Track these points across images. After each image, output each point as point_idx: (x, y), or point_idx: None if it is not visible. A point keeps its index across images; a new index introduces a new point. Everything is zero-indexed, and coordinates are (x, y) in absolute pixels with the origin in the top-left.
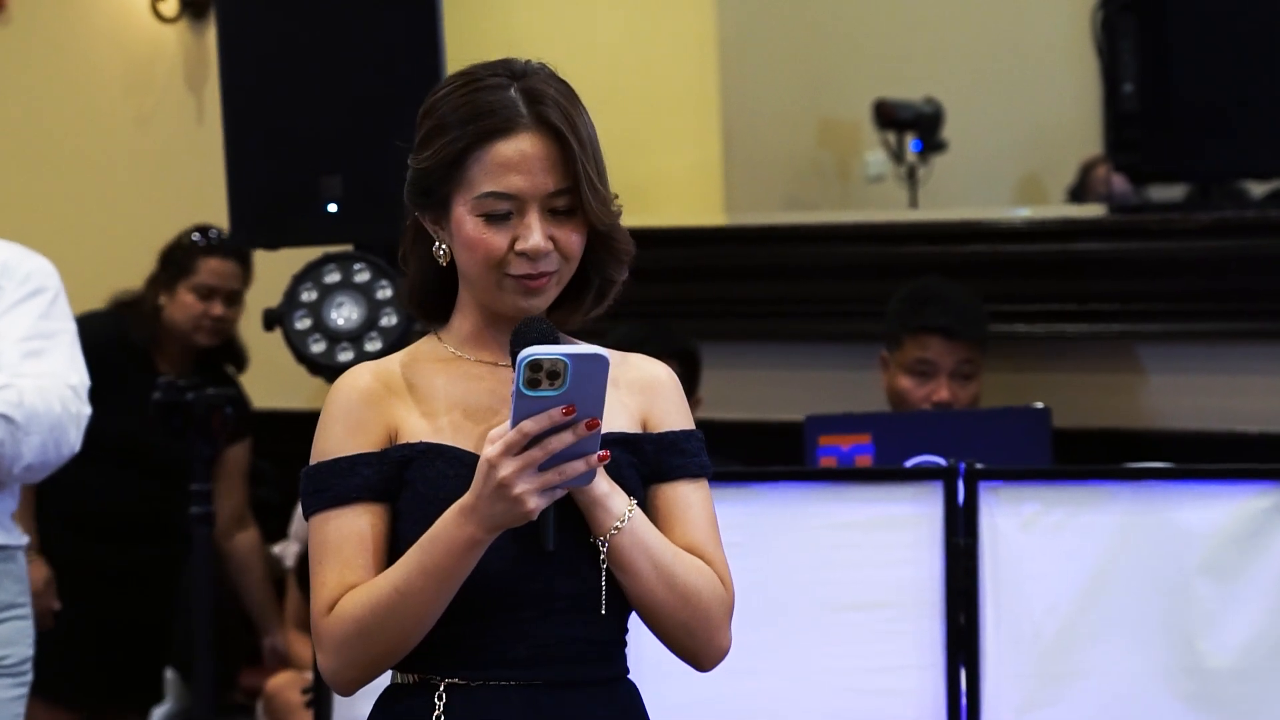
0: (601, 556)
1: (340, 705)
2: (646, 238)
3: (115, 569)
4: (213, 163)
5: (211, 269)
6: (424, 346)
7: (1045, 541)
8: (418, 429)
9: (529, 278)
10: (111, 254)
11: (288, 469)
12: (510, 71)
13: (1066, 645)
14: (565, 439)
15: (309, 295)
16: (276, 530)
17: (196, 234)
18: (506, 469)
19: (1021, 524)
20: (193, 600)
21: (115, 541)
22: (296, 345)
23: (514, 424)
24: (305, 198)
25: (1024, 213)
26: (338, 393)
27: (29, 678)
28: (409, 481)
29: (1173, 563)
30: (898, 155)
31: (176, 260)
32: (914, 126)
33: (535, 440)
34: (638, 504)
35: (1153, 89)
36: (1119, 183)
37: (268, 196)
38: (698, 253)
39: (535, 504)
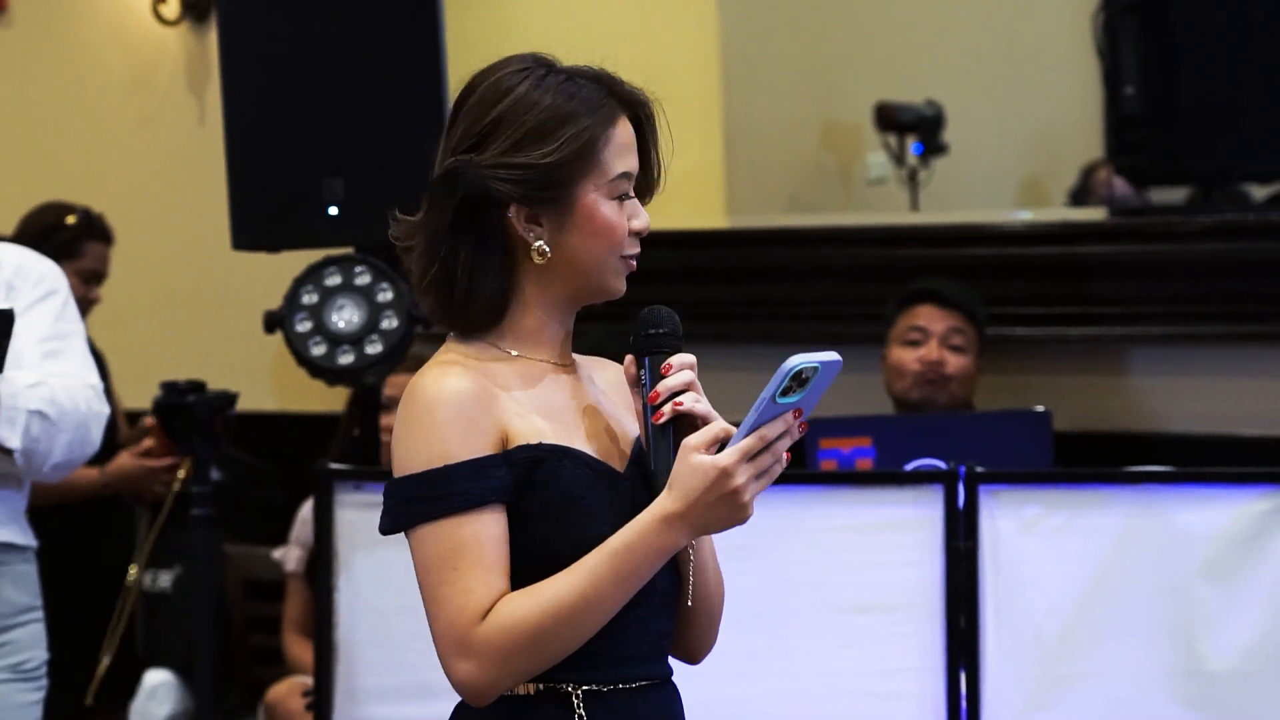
0: (690, 551)
1: (341, 710)
2: (648, 239)
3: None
4: (214, 165)
5: (97, 254)
6: (470, 349)
7: (1046, 544)
8: (525, 430)
9: (634, 257)
10: (113, 255)
11: (291, 471)
12: (548, 65)
13: (1067, 648)
14: (786, 442)
15: (310, 298)
16: (279, 533)
17: (74, 215)
18: (743, 476)
19: (1022, 527)
20: (194, 602)
21: None
22: (297, 348)
23: (751, 430)
24: (306, 200)
25: (1025, 215)
26: (441, 395)
27: (45, 681)
28: (539, 483)
29: (1173, 565)
30: (899, 158)
31: (60, 241)
32: (915, 129)
33: (767, 446)
34: None
35: (1154, 92)
36: (1120, 185)
37: (269, 199)
38: (699, 255)
39: (752, 510)
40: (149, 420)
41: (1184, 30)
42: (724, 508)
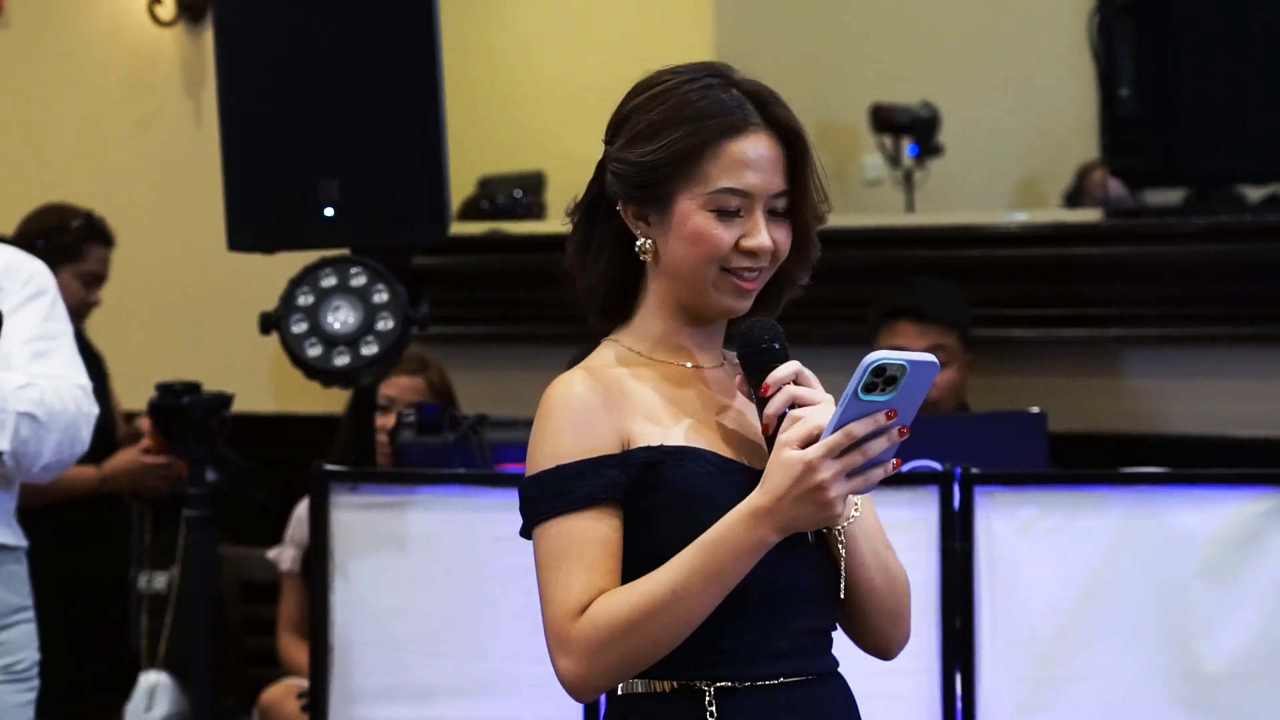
0: (840, 545)
1: (336, 711)
2: None
3: None
4: (210, 166)
5: (99, 257)
6: (606, 353)
7: (1041, 545)
8: (649, 432)
9: (745, 275)
10: (110, 257)
11: (287, 473)
12: (720, 74)
13: (1063, 649)
14: (880, 444)
15: (305, 299)
16: (274, 535)
17: (78, 218)
18: (827, 471)
19: (1018, 528)
20: (190, 603)
21: None
22: (293, 349)
23: (836, 427)
24: (302, 201)
25: (1020, 217)
26: (560, 399)
27: (37, 682)
28: (659, 482)
29: (1169, 567)
30: (894, 159)
31: (63, 244)
32: (911, 130)
33: (855, 444)
34: None
35: (1150, 93)
36: (1115, 187)
37: (265, 200)
38: None
39: (841, 508)
40: (143, 421)
41: (1179, 32)
42: (809, 504)
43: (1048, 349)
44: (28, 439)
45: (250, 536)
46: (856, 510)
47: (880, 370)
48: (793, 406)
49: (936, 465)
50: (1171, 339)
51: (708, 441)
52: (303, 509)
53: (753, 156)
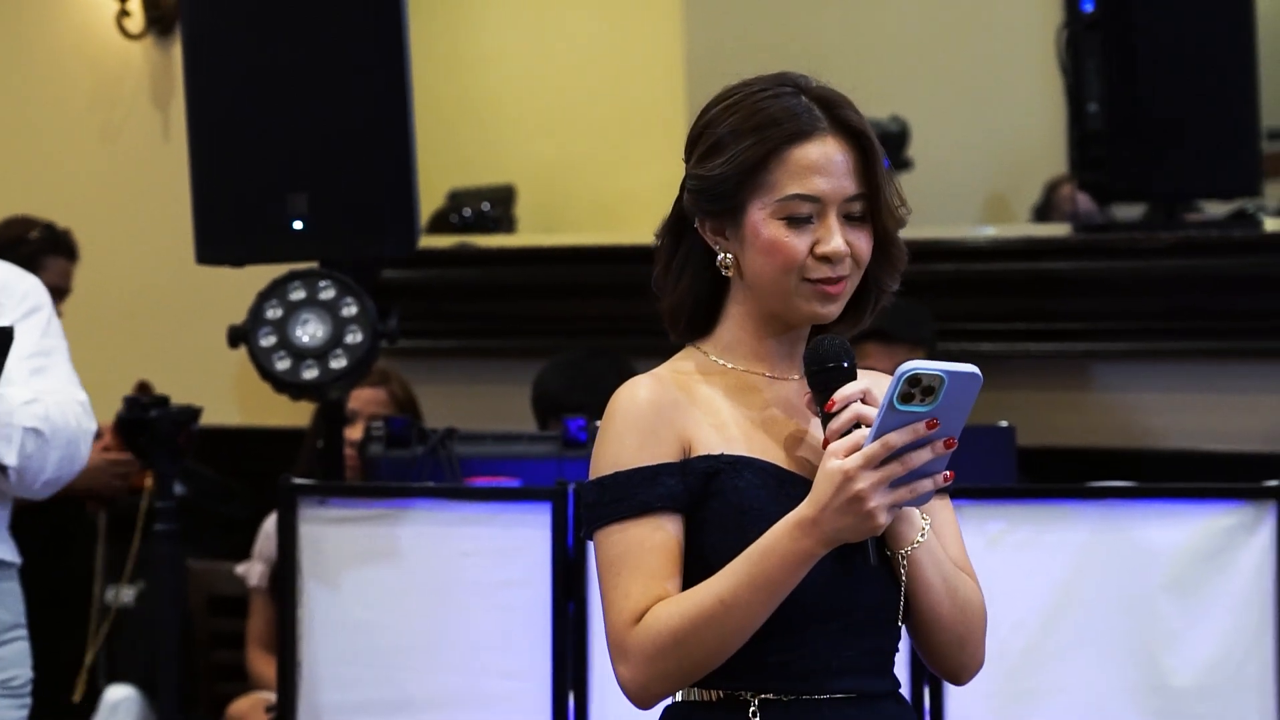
0: (902, 569)
1: None
2: (616, 254)
3: None
4: (178, 179)
5: (60, 270)
6: (686, 361)
7: (1010, 559)
8: (712, 441)
9: (828, 282)
10: (77, 269)
11: (255, 486)
12: (793, 82)
13: (1032, 663)
14: (924, 455)
15: (274, 312)
16: (243, 549)
17: (37, 230)
18: (865, 481)
19: (986, 542)
20: (157, 617)
21: None
22: (261, 362)
23: (875, 437)
24: (271, 215)
25: (989, 231)
26: (624, 404)
27: (30, 700)
28: (716, 492)
29: (1137, 580)
30: None
31: (21, 256)
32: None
33: (895, 455)
34: None
35: (1117, 108)
36: (1084, 202)
37: (233, 213)
38: None
39: (885, 519)
40: (104, 424)
41: (1146, 47)
42: (851, 515)
43: (1016, 363)
44: (32, 454)
45: (218, 550)
46: (923, 536)
47: (915, 380)
48: (858, 425)
49: None
50: (1140, 353)
51: (772, 453)
52: (271, 523)
53: (820, 161)
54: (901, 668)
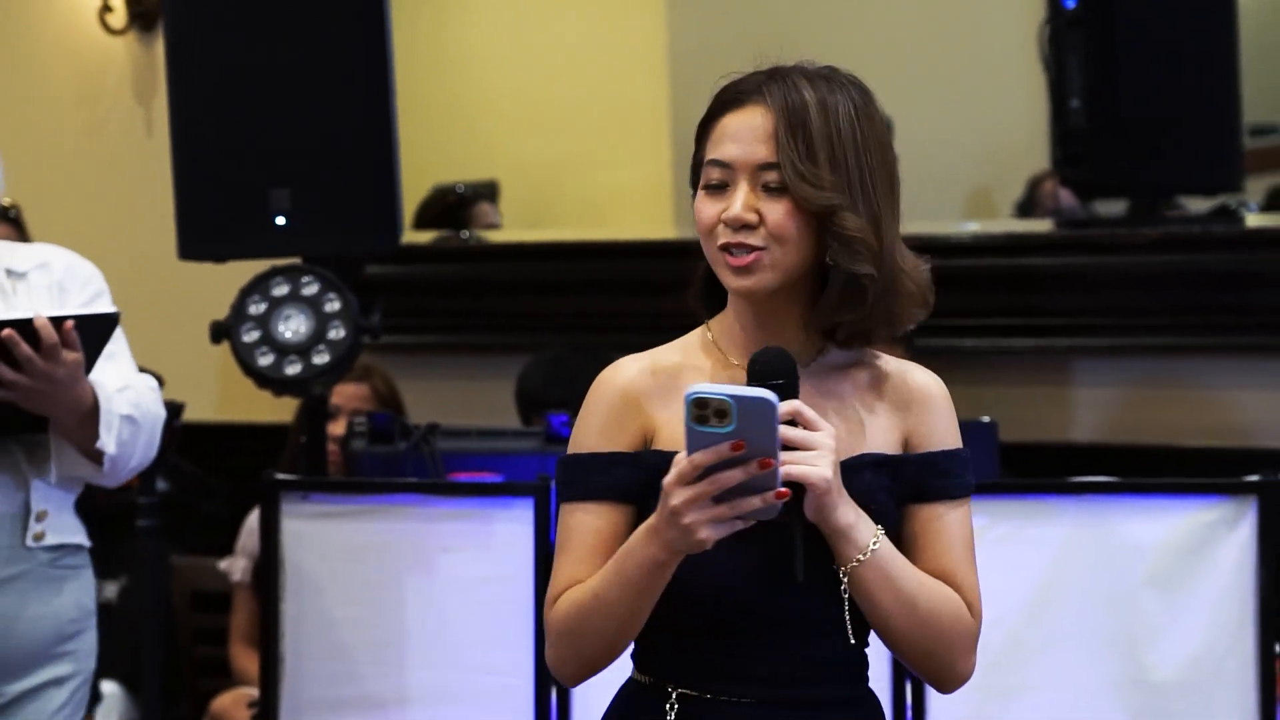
0: (843, 586)
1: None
2: (599, 251)
3: None
4: (161, 175)
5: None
6: (692, 339)
7: (992, 555)
8: (673, 435)
9: (732, 251)
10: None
11: (238, 482)
12: (802, 66)
13: (1013, 658)
14: (736, 475)
15: (257, 308)
16: (225, 544)
17: None
18: (677, 498)
19: None
20: (140, 613)
21: None
22: (244, 358)
23: (689, 455)
24: (253, 210)
25: (972, 227)
26: (600, 386)
27: (87, 694)
28: (660, 489)
29: (1119, 576)
30: None
31: None
32: None
33: (706, 474)
34: (889, 526)
35: (1100, 104)
36: (1066, 197)
37: (216, 209)
38: (650, 265)
39: (707, 534)
40: None
41: (1128, 43)
42: (672, 528)
43: (998, 359)
44: (127, 442)
45: (201, 546)
46: (864, 555)
47: (703, 404)
48: (786, 447)
49: None
50: (1121, 349)
51: None
52: (254, 519)
53: (735, 128)
54: (882, 662)
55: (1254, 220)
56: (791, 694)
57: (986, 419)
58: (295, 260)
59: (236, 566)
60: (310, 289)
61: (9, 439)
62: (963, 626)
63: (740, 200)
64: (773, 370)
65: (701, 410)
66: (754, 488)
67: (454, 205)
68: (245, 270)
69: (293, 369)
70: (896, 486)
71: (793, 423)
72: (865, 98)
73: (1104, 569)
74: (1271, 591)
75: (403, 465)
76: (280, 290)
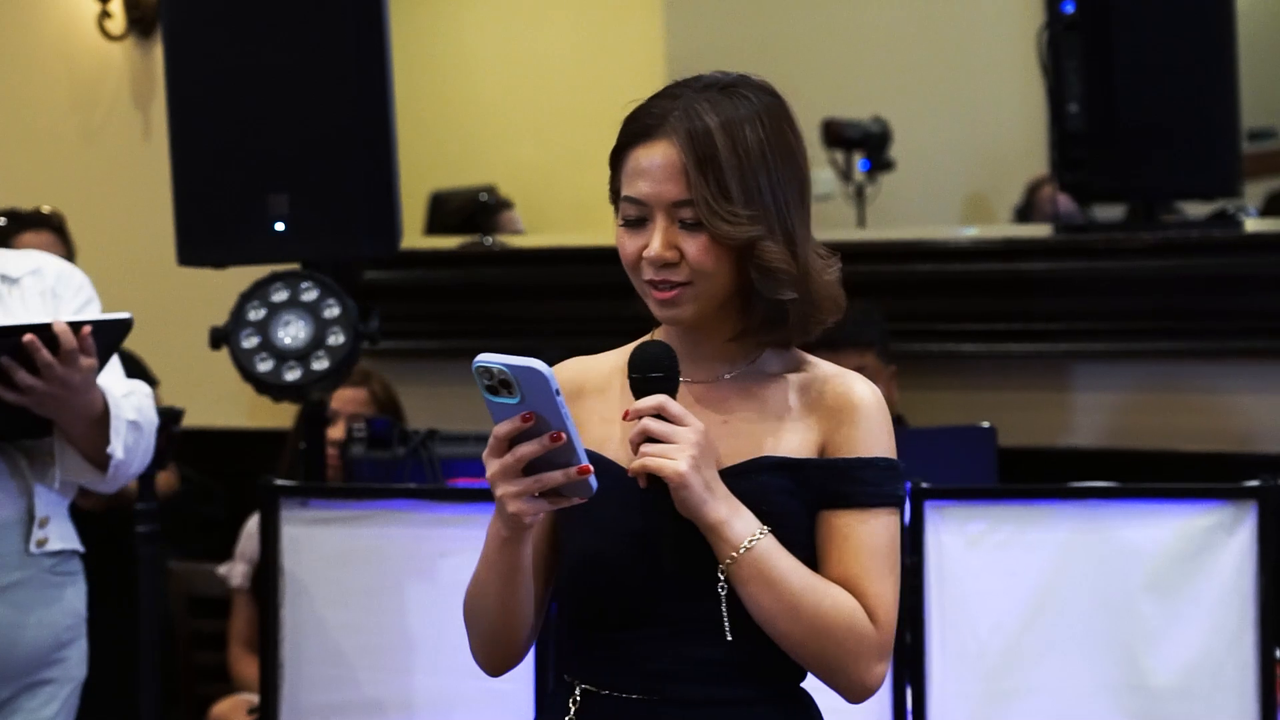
0: (720, 584)
1: None
2: (595, 256)
3: None
4: (159, 180)
5: (25, 243)
6: (637, 342)
7: (991, 560)
8: (593, 434)
9: (655, 286)
10: None
11: (237, 487)
12: (685, 83)
13: (1012, 663)
14: (532, 448)
15: (256, 314)
16: (224, 549)
17: (2, 218)
18: (488, 471)
19: (967, 542)
20: (139, 621)
21: None
22: (243, 364)
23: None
24: (252, 216)
25: (970, 232)
26: None
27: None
28: None
29: (1117, 581)
30: (846, 174)
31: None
32: (862, 145)
33: (513, 446)
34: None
35: (1098, 109)
36: (1065, 202)
37: (215, 214)
38: None
39: (517, 508)
40: None
41: (1126, 48)
42: (497, 503)
43: (997, 364)
44: (131, 447)
45: (200, 551)
46: (738, 551)
47: (487, 373)
48: (649, 439)
49: None
50: (1120, 354)
51: (623, 453)
52: (253, 524)
53: (646, 165)
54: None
55: (1252, 225)
56: (680, 692)
57: (985, 424)
58: (294, 266)
59: (235, 572)
60: (309, 294)
61: (12, 444)
62: (858, 634)
63: (659, 240)
64: (652, 364)
65: (489, 380)
66: (556, 462)
67: (479, 211)
68: (244, 276)
69: (292, 374)
70: (803, 491)
71: (661, 417)
72: (774, 106)
73: (1103, 574)
74: (1271, 596)
75: (401, 471)
76: (279, 296)
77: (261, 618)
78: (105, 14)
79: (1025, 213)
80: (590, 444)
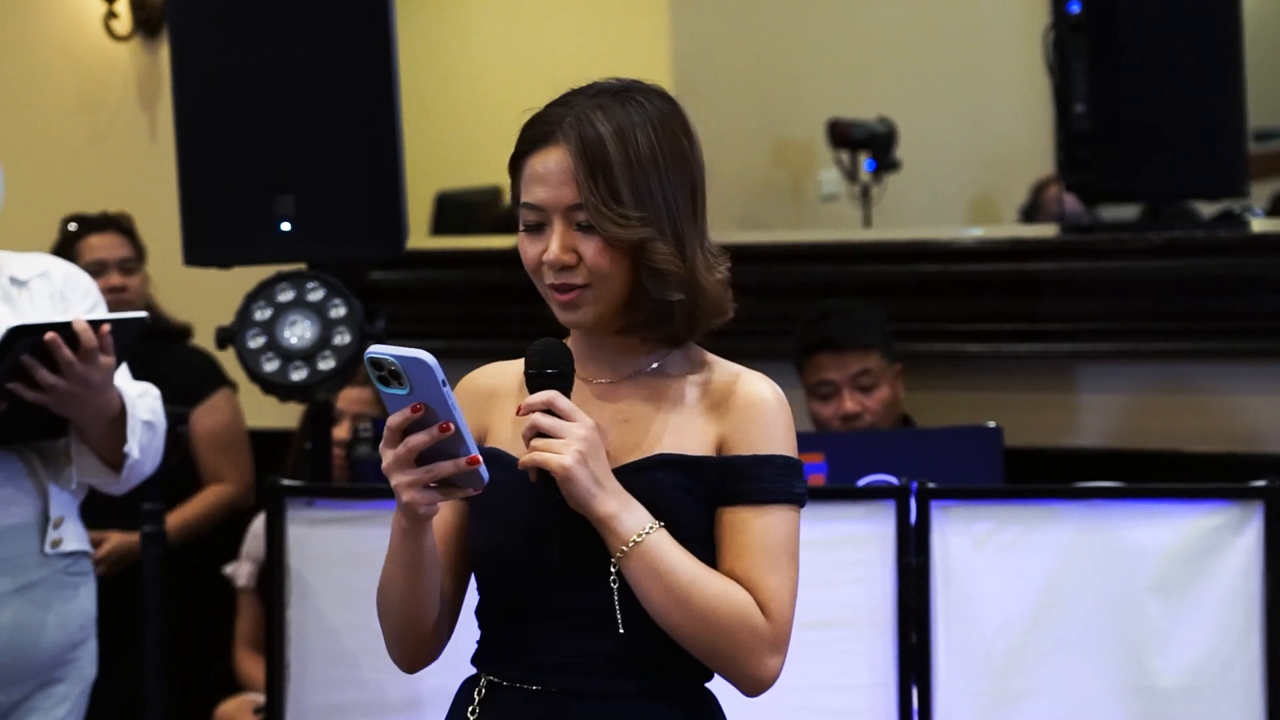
0: (611, 576)
1: None
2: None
3: None
4: (165, 181)
5: (92, 245)
6: None
7: (997, 560)
8: (500, 435)
9: (556, 289)
10: None
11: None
12: (600, 88)
13: (1018, 664)
14: (421, 438)
15: (262, 314)
16: (229, 550)
17: (72, 223)
18: (384, 460)
19: (973, 543)
20: (144, 621)
21: None
22: (249, 364)
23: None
24: (258, 216)
25: (976, 232)
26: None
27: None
28: None
29: (1123, 581)
30: (852, 174)
31: (61, 255)
32: (868, 146)
33: (405, 436)
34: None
35: (1104, 109)
36: (1071, 203)
37: (221, 215)
38: None
39: (410, 498)
40: None
41: (1132, 48)
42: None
43: (1003, 364)
44: (146, 447)
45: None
46: (628, 545)
47: (378, 364)
48: (539, 434)
49: (892, 480)
50: (1126, 354)
51: (521, 448)
52: (259, 524)
53: (541, 170)
54: (888, 667)
55: (1259, 225)
56: (576, 684)
57: (991, 424)
58: (300, 266)
59: (241, 572)
60: (315, 295)
61: (27, 446)
62: (749, 627)
63: (556, 243)
64: (546, 361)
65: (380, 372)
66: (446, 452)
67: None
68: (250, 276)
69: (298, 375)
70: (700, 488)
71: (551, 412)
72: (667, 110)
73: (1109, 574)
74: (1277, 596)
75: None
76: (285, 296)
77: (267, 618)
78: (111, 14)
79: (1030, 213)
80: (501, 444)
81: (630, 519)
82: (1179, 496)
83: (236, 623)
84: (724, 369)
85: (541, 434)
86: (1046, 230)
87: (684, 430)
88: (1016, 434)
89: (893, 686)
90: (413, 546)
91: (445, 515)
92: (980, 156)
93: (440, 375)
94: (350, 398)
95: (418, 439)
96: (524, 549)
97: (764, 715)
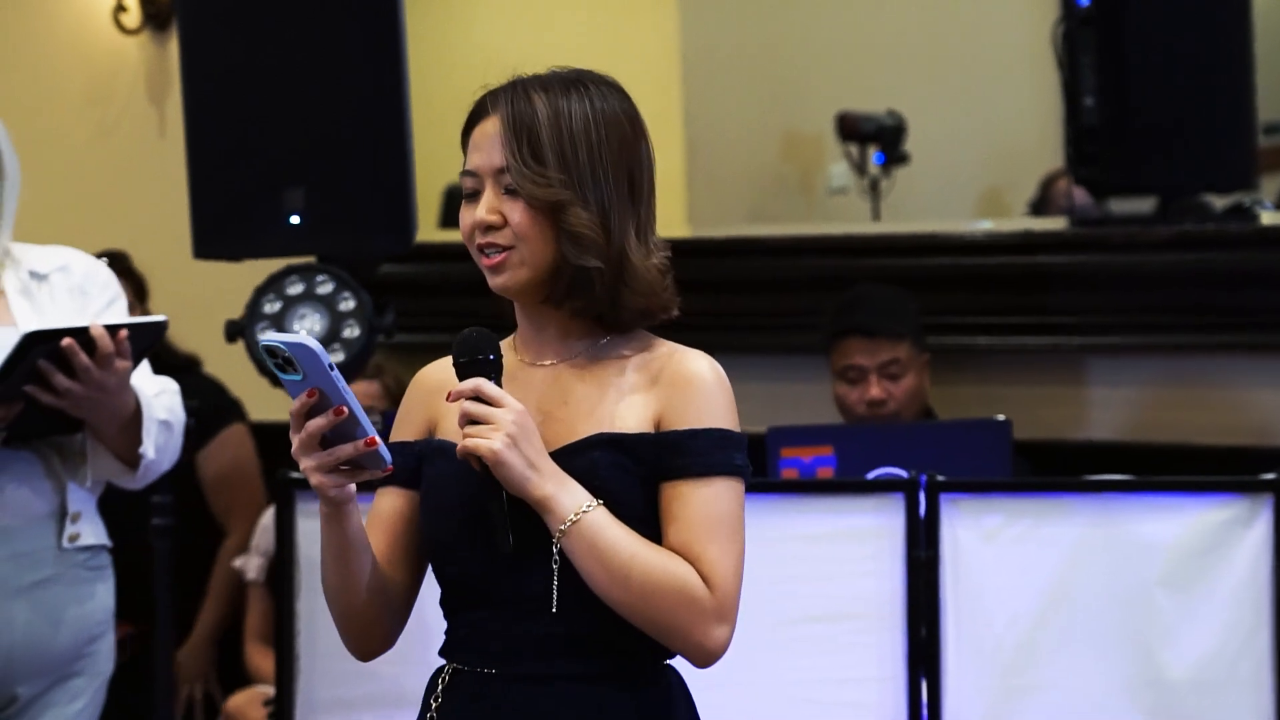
0: (553, 557)
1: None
2: None
3: None
4: (175, 175)
5: None
6: (511, 337)
7: (1006, 553)
8: (449, 427)
9: (485, 252)
10: None
11: None
12: (550, 73)
13: (1027, 657)
14: (320, 423)
15: (271, 307)
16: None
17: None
18: (293, 447)
19: (983, 536)
20: (156, 613)
21: None
22: (259, 357)
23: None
24: (268, 210)
25: (985, 225)
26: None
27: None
28: (424, 474)
29: (1133, 574)
30: (860, 168)
31: None
32: (876, 139)
33: (305, 421)
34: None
35: (1113, 102)
36: (1080, 196)
37: (230, 208)
38: None
39: (318, 480)
40: None
41: (1141, 41)
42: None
43: (1012, 358)
44: (162, 446)
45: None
46: (565, 524)
47: (271, 351)
48: (472, 421)
49: (902, 473)
50: (1136, 347)
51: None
52: (268, 517)
53: (478, 138)
54: (897, 660)
55: (1269, 218)
56: (527, 668)
57: (1001, 418)
58: (310, 259)
59: (251, 565)
60: (325, 288)
61: (44, 441)
62: (690, 598)
63: (483, 205)
64: (473, 349)
65: (275, 359)
66: (345, 435)
67: None
68: (260, 269)
69: None
70: (638, 466)
71: (480, 399)
72: (614, 98)
73: (1118, 567)
74: None
75: None
76: (295, 289)
77: (277, 611)
78: (120, 8)
79: (1040, 207)
80: (450, 435)
81: (567, 499)
82: (1189, 490)
83: (246, 616)
84: (663, 347)
85: (472, 421)
86: (1056, 223)
87: (623, 410)
88: (1026, 428)
89: (902, 680)
90: (338, 531)
91: (396, 506)
92: (989, 150)
93: (326, 360)
94: (359, 391)
95: (316, 423)
96: (468, 536)
97: (773, 707)
